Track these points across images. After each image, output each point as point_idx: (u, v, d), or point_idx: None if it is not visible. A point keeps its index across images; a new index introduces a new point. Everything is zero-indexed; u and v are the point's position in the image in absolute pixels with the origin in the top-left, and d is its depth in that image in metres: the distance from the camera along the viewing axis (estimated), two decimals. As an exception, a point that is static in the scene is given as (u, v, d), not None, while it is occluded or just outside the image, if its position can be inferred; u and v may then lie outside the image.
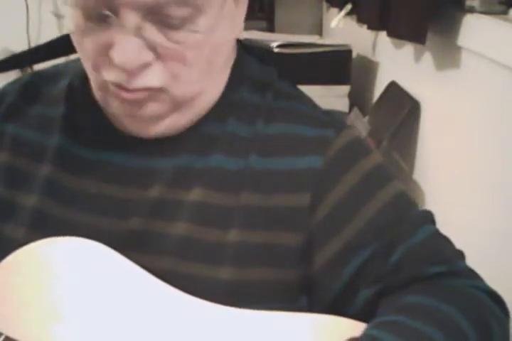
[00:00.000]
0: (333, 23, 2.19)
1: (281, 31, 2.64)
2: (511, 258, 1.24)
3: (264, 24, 2.68)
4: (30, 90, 0.92)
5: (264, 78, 0.88)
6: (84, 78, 0.87)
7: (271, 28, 2.70)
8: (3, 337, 0.80)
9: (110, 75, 0.77)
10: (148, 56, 0.75)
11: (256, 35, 2.19)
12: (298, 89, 0.91)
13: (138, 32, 0.74)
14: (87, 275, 0.80)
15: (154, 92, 0.77)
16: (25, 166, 0.88)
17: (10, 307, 0.81)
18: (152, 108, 0.79)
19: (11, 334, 0.80)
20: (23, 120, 0.90)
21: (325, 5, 2.73)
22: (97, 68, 0.78)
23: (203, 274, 0.80)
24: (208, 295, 0.78)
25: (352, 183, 0.82)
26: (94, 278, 0.80)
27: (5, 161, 0.89)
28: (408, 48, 1.74)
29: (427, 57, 1.63)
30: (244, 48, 0.89)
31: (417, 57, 1.69)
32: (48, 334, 0.79)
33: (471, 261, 0.85)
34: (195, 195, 0.82)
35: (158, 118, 0.81)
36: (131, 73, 0.75)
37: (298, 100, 0.88)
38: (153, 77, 0.76)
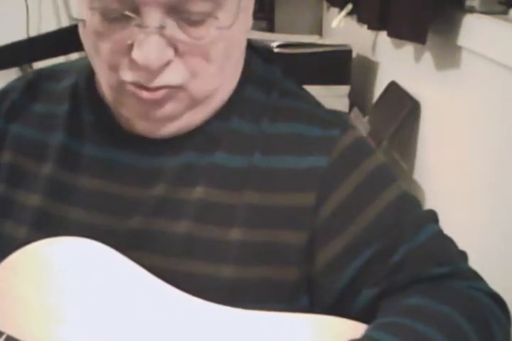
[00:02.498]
0: (334, 23, 2.19)
1: (281, 31, 2.64)
2: (511, 258, 1.24)
3: (264, 24, 2.68)
4: (34, 88, 0.92)
5: (268, 77, 0.88)
6: (89, 77, 0.87)
7: (271, 28, 2.71)
8: (4, 336, 0.80)
9: (129, 75, 0.76)
10: (170, 54, 0.74)
11: (256, 35, 2.19)
12: (303, 89, 0.91)
13: (160, 31, 0.73)
14: (89, 275, 0.80)
15: (173, 90, 0.77)
16: (28, 165, 0.88)
17: (11, 307, 0.81)
18: (169, 108, 0.79)
19: (12, 334, 0.80)
20: (26, 119, 0.90)
21: (325, 5, 2.73)
22: (114, 68, 0.77)
23: (205, 272, 0.80)
24: (210, 293, 0.78)
25: (356, 183, 0.82)
26: (95, 278, 0.80)
27: (8, 161, 0.89)
28: (408, 48, 1.74)
29: (427, 57, 1.63)
30: (250, 48, 0.89)
31: (417, 57, 1.69)
32: (50, 333, 0.79)
33: (472, 261, 0.85)
34: (198, 193, 0.82)
35: (173, 118, 0.81)
36: (153, 73, 0.75)
37: (303, 99, 0.88)
38: (174, 75, 0.76)
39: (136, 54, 0.73)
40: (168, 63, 0.75)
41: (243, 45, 0.84)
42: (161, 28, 0.73)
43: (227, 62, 0.79)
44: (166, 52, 0.74)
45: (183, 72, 0.76)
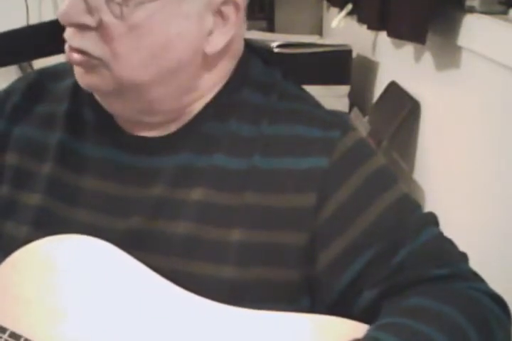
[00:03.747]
0: (334, 23, 2.19)
1: (281, 31, 2.64)
2: (511, 258, 1.24)
3: (264, 24, 2.68)
4: (35, 89, 0.93)
5: (267, 79, 0.88)
6: None
7: (271, 28, 2.70)
8: (8, 333, 0.80)
9: (65, 32, 0.80)
10: (88, 20, 0.77)
11: (256, 35, 2.19)
12: (303, 90, 0.91)
13: None
14: (91, 273, 0.80)
15: (95, 61, 0.79)
16: (31, 165, 0.88)
17: (14, 305, 0.81)
18: (94, 79, 0.81)
19: (15, 332, 0.80)
20: (29, 120, 0.91)
21: (325, 5, 2.73)
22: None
23: (205, 273, 0.80)
24: (210, 293, 0.79)
25: (357, 185, 0.82)
26: (98, 275, 0.80)
27: (13, 162, 0.89)
28: (408, 48, 1.74)
29: (427, 57, 1.63)
30: (249, 49, 0.89)
31: (417, 57, 1.69)
32: (52, 332, 0.79)
33: (472, 260, 0.85)
34: (198, 194, 0.82)
35: (108, 95, 0.83)
36: (74, 32, 0.79)
37: (303, 101, 0.88)
38: (92, 44, 0.78)
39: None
40: (86, 29, 0.78)
41: (182, 55, 0.81)
42: None
43: (154, 60, 0.79)
44: (83, 16, 0.77)
45: (100, 46, 0.78)
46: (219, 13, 0.80)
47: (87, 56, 0.79)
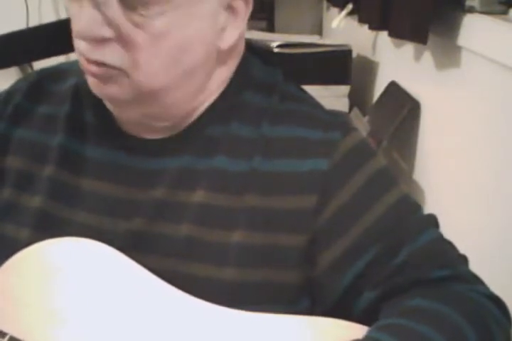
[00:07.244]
0: (334, 23, 2.19)
1: (281, 31, 2.64)
2: (511, 259, 1.24)
3: (264, 24, 2.68)
4: (36, 90, 0.92)
5: (269, 80, 0.88)
6: None
7: (271, 28, 2.71)
8: (8, 337, 0.80)
9: (78, 44, 0.79)
10: (107, 32, 0.76)
11: (256, 35, 2.19)
12: (304, 91, 0.91)
13: (98, 6, 0.76)
14: (91, 276, 0.80)
15: (115, 71, 0.78)
16: (32, 168, 0.88)
17: (14, 308, 0.81)
18: (113, 89, 0.80)
19: (15, 335, 0.80)
20: (30, 121, 0.90)
21: (325, 5, 2.73)
22: (74, 39, 0.80)
23: (205, 275, 0.80)
24: (211, 295, 0.79)
25: (357, 186, 0.82)
26: (97, 278, 0.80)
27: (14, 165, 0.89)
28: (408, 48, 1.74)
29: (427, 57, 1.63)
30: (250, 49, 0.89)
31: (417, 57, 1.69)
32: (51, 334, 0.79)
33: (471, 260, 0.85)
34: (199, 196, 0.82)
35: (126, 103, 0.82)
36: (92, 45, 0.77)
37: (304, 102, 0.88)
38: (112, 55, 0.77)
39: (73, 22, 0.78)
40: (106, 42, 0.77)
41: (205, 56, 0.81)
42: (100, 3, 0.75)
43: (174, 64, 0.79)
44: (102, 28, 0.76)
45: (121, 56, 0.77)
46: (230, 8, 0.81)
47: (106, 67, 0.78)
